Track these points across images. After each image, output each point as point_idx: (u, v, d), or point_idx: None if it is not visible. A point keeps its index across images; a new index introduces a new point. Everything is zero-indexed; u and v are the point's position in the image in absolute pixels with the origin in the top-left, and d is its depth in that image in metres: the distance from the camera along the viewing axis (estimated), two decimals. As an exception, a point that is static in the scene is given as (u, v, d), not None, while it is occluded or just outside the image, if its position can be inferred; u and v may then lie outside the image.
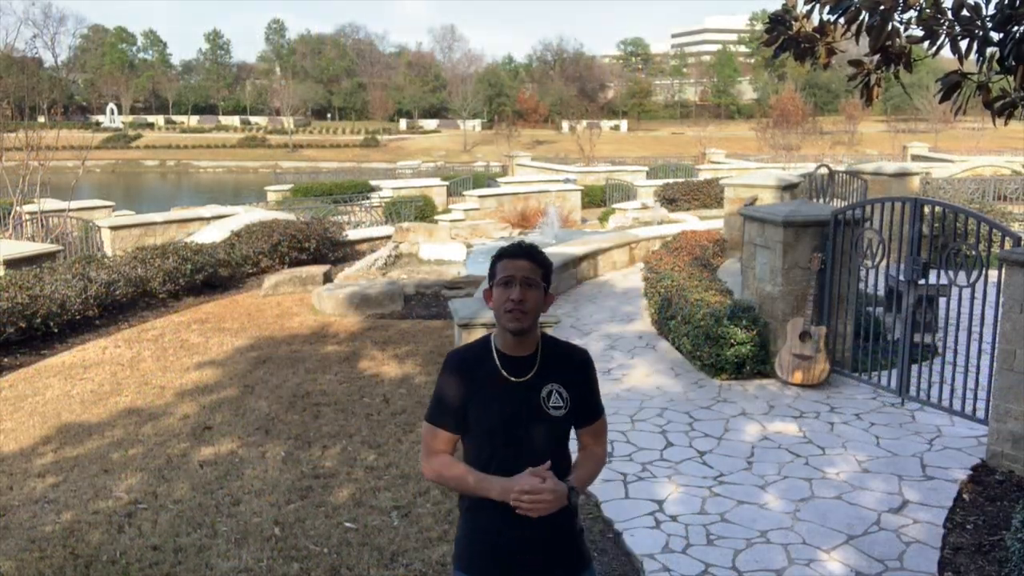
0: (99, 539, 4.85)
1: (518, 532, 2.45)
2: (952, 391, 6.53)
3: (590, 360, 2.62)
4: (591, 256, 12.41)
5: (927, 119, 59.22)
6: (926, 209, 9.41)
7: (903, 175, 14.17)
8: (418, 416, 6.78)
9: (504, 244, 2.69)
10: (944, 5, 3.28)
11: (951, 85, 3.33)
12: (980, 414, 6.24)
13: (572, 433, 2.62)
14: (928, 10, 3.27)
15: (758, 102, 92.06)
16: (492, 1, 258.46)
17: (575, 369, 2.57)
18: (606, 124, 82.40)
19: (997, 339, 5.72)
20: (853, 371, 7.59)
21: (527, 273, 2.46)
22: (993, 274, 6.36)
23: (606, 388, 7.08)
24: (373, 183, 25.32)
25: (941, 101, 3.41)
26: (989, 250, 6.45)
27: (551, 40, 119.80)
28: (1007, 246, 5.86)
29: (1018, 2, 3.11)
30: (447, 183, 23.07)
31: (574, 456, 2.65)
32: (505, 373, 2.49)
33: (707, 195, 21.31)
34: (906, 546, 4.65)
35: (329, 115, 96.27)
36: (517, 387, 2.48)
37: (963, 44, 3.25)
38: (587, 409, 2.59)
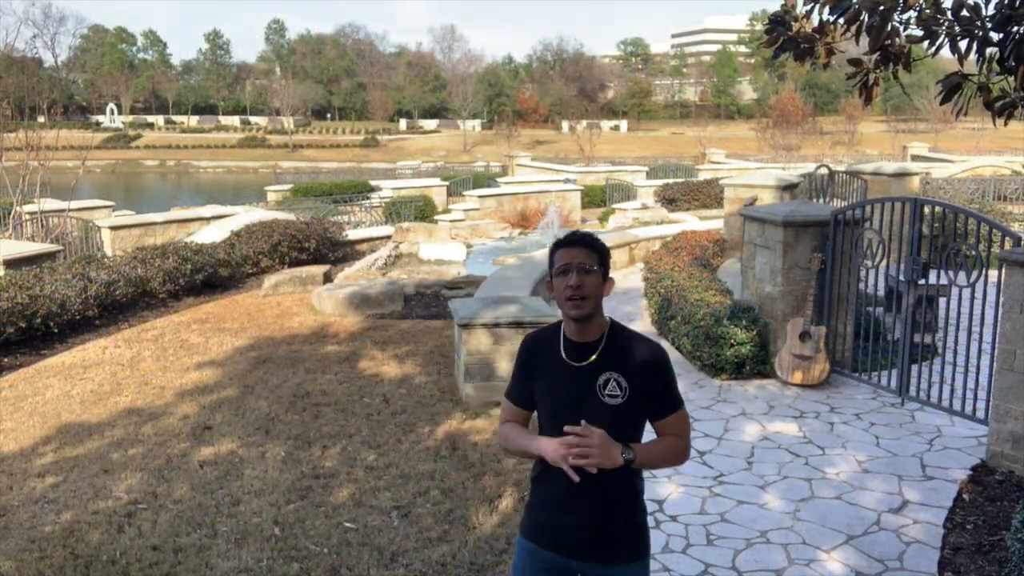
0: (99, 539, 4.85)
1: (576, 507, 2.54)
2: (952, 391, 6.53)
3: (662, 355, 2.59)
4: (591, 256, 12.37)
5: (927, 119, 59.20)
6: (926, 209, 9.41)
7: (903, 175, 14.17)
8: (418, 416, 6.79)
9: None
10: (944, 5, 3.28)
11: (952, 86, 3.33)
12: (980, 414, 6.24)
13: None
14: (928, 10, 3.27)
15: (758, 102, 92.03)
16: (492, 1, 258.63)
17: (641, 362, 2.55)
18: (606, 124, 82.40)
19: (997, 339, 5.72)
20: (853, 371, 7.59)
21: (583, 260, 2.53)
22: (993, 274, 6.37)
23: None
24: (373, 183, 25.32)
25: (942, 103, 3.40)
26: (989, 250, 6.46)
27: (551, 40, 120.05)
28: (1007, 246, 5.86)
29: (1018, 2, 3.10)
30: (447, 183, 23.07)
31: None
32: (567, 358, 2.58)
33: (707, 195, 21.31)
34: (906, 546, 4.65)
35: (329, 115, 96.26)
36: (578, 372, 2.56)
37: (963, 44, 3.25)
38: (656, 402, 2.59)
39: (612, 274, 2.65)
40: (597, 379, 2.53)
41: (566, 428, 2.43)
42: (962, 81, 3.31)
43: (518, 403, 2.72)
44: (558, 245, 2.60)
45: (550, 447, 2.46)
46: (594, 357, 2.55)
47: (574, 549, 2.59)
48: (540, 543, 2.64)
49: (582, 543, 2.58)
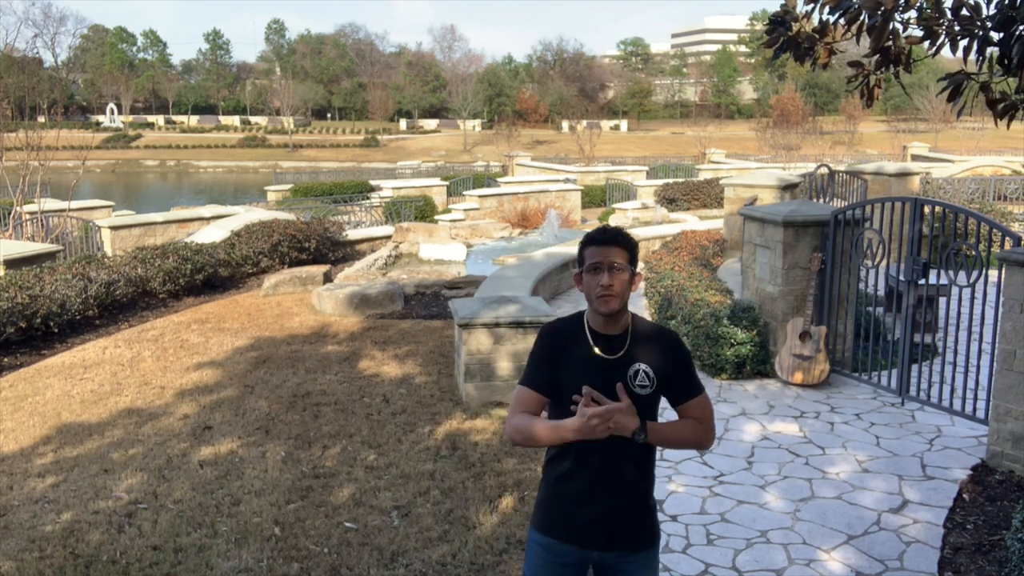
0: (99, 539, 4.85)
1: (599, 500, 2.58)
2: (952, 391, 6.53)
3: (679, 342, 2.70)
4: (591, 256, 12.37)
5: (927, 119, 59.21)
6: (926, 209, 9.42)
7: (903, 175, 14.17)
8: (418, 416, 6.79)
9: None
10: (944, 5, 3.28)
11: (957, 84, 3.32)
12: (980, 414, 6.25)
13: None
14: (929, 10, 3.27)
15: (758, 102, 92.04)
16: (492, 1, 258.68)
17: (663, 350, 2.64)
18: (606, 124, 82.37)
19: (997, 339, 5.72)
20: (853, 371, 7.59)
21: (615, 258, 2.57)
22: (993, 274, 6.37)
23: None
24: (373, 183, 25.36)
25: (949, 99, 3.39)
26: (989, 250, 6.46)
27: (551, 40, 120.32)
28: (1007, 246, 5.86)
29: (1019, 2, 3.10)
30: (447, 183, 23.09)
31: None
32: (597, 350, 2.60)
33: (707, 195, 21.33)
34: (906, 546, 4.65)
35: (329, 115, 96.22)
36: (607, 364, 2.59)
37: (963, 44, 3.25)
38: (679, 388, 2.67)
39: None
40: (627, 371, 2.58)
41: (586, 391, 2.41)
42: (966, 79, 3.31)
43: (540, 390, 2.63)
44: (589, 241, 2.62)
45: (577, 423, 2.42)
46: (624, 349, 2.61)
47: (596, 540, 2.61)
48: (558, 536, 2.65)
49: (605, 534, 2.61)
